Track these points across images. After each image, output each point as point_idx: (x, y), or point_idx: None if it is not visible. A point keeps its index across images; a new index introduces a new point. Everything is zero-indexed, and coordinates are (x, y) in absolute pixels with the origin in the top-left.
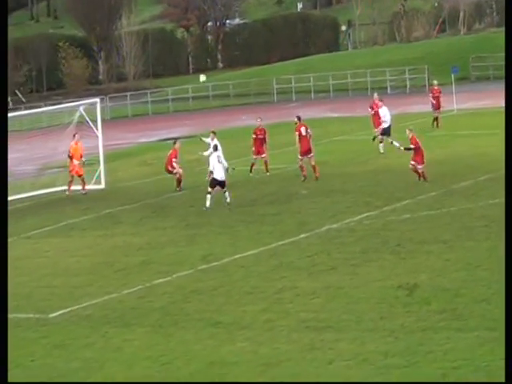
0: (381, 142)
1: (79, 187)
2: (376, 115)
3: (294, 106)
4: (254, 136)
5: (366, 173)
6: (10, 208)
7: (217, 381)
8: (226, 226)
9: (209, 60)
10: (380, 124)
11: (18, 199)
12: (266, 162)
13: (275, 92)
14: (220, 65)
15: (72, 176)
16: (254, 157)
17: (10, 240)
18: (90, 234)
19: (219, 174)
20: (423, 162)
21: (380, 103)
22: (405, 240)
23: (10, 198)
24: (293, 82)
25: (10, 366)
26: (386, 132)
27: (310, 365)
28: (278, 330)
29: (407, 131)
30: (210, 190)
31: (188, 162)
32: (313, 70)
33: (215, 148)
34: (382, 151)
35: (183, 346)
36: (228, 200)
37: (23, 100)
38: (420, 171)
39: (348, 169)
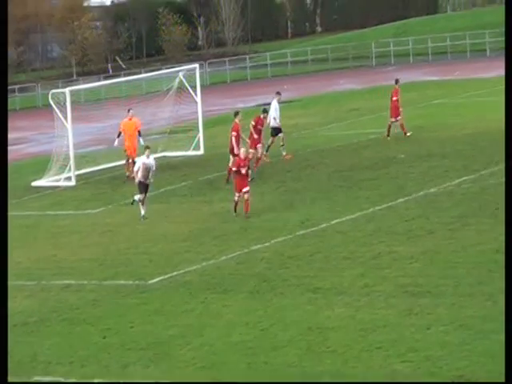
0: None
1: (176, 153)
2: None
3: (393, 70)
4: (394, 98)
5: (464, 136)
6: (109, 175)
7: (313, 349)
8: (324, 191)
9: (307, 24)
10: None
11: (118, 166)
12: (401, 125)
13: (373, 56)
14: (318, 29)
15: (127, 156)
16: (392, 120)
17: (109, 207)
18: (188, 200)
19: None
20: None
21: None
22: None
23: (110, 165)
24: (391, 46)
25: (109, 332)
26: None
27: (408, 330)
28: (376, 295)
29: None
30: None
31: (286, 127)
32: (411, 33)
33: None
34: None
35: (281, 312)
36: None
37: (123, 66)
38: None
39: (446, 132)
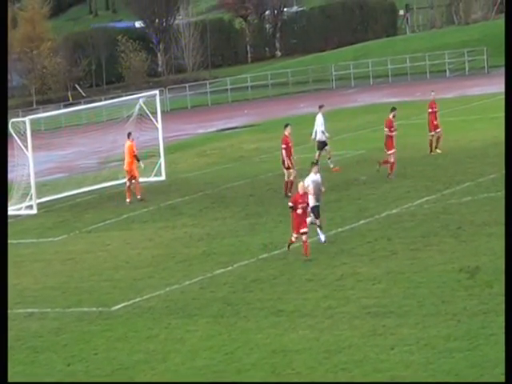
0: None
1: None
2: None
3: (353, 92)
4: (429, 110)
5: (425, 157)
6: (71, 203)
7: (278, 371)
8: (286, 214)
9: (267, 49)
10: None
11: (79, 193)
12: (438, 139)
13: (334, 78)
14: (278, 53)
15: (130, 178)
16: (432, 133)
17: (71, 234)
18: (150, 226)
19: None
20: None
21: None
22: (465, 223)
23: (71, 193)
24: (351, 68)
25: (73, 360)
26: None
27: (372, 351)
28: (340, 317)
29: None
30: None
31: (247, 151)
32: (371, 55)
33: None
34: None
35: (245, 336)
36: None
37: (83, 94)
38: None
39: (407, 153)
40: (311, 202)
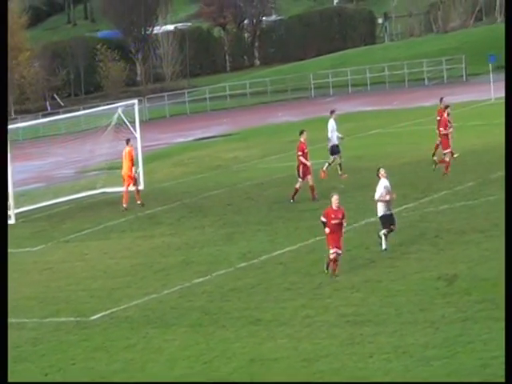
0: None
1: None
2: None
3: (331, 101)
4: (438, 118)
5: (403, 165)
6: (48, 213)
7: (256, 380)
8: (264, 223)
9: (245, 57)
10: None
11: (57, 203)
12: (436, 146)
13: (312, 87)
14: (257, 62)
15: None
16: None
17: (49, 244)
18: (128, 235)
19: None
20: None
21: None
22: (443, 231)
23: (49, 202)
24: (330, 77)
25: (51, 370)
26: None
27: (350, 359)
28: (318, 326)
29: None
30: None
31: (225, 160)
32: (349, 63)
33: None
34: None
35: (223, 345)
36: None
37: (61, 104)
38: None
39: (384, 162)
40: (381, 211)
